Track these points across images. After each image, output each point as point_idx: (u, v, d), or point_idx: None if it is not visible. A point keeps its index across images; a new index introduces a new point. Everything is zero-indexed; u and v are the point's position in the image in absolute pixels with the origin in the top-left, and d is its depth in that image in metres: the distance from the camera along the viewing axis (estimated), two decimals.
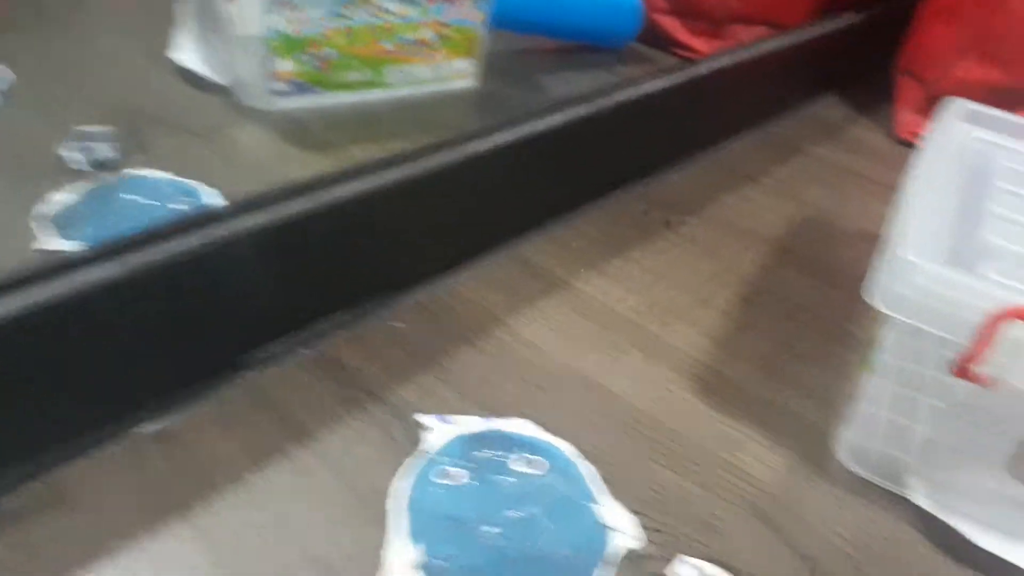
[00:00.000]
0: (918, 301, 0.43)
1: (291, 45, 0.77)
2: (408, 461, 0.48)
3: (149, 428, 0.48)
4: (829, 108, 1.07)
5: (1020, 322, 0.41)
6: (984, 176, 0.57)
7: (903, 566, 0.46)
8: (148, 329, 0.46)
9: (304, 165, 0.73)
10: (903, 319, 0.44)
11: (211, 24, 0.80)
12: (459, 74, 0.88)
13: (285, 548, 0.42)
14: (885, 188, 0.49)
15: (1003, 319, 0.41)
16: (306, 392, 0.52)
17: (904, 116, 0.99)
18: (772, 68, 0.92)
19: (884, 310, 0.44)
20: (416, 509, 0.44)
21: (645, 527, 0.46)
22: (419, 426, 0.50)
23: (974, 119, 0.62)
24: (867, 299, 0.45)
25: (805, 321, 0.65)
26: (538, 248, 0.69)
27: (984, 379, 0.43)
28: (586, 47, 1.03)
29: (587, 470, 0.49)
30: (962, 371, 0.43)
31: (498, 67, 0.95)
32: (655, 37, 1.08)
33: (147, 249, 0.44)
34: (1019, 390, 0.41)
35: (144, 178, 0.65)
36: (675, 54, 1.07)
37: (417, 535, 0.43)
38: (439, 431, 0.50)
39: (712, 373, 0.58)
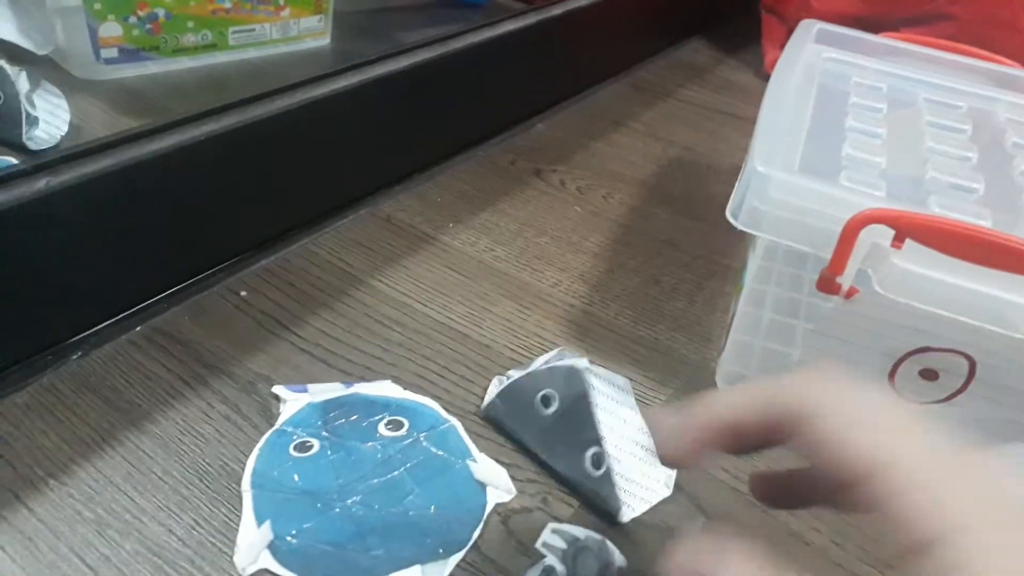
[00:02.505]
0: (775, 215, 0.41)
1: (114, 7, 0.70)
2: (264, 437, 0.44)
3: None
4: (697, 52, 1.06)
5: (879, 226, 0.40)
6: (839, 94, 0.56)
7: None
8: None
9: None
10: (762, 235, 0.42)
11: None
12: (310, 32, 0.83)
13: (120, 543, 0.38)
14: (754, 124, 0.48)
15: (861, 225, 0.40)
16: (141, 372, 0.47)
17: (771, 53, 1.00)
18: (632, 11, 0.91)
19: (742, 227, 0.42)
20: (260, 486, 0.40)
21: (519, 479, 0.43)
22: (276, 399, 0.46)
23: (826, 39, 0.62)
24: (729, 218, 0.43)
25: (676, 257, 0.63)
26: (401, 205, 0.65)
27: (849, 291, 0.42)
28: (447, 3, 0.99)
29: (457, 426, 0.46)
30: (825, 284, 0.42)
31: (355, 25, 0.90)
32: None
33: None
34: (885, 298, 0.40)
35: None
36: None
37: (262, 513, 0.39)
38: (293, 402, 0.46)
39: (585, 316, 0.56)
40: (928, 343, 0.42)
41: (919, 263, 0.39)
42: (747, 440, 0.27)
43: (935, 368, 0.43)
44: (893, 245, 0.39)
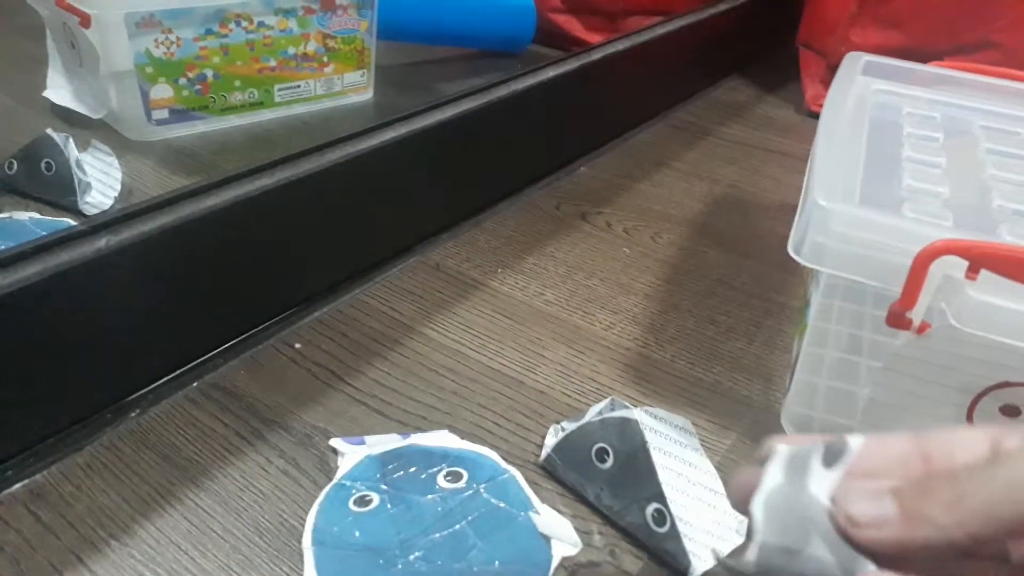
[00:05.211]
0: (839, 249, 0.40)
1: (165, 70, 0.72)
2: (323, 492, 0.43)
3: (15, 487, 0.42)
4: (735, 90, 1.06)
5: (951, 258, 0.38)
6: (892, 125, 0.55)
7: None
8: (4, 372, 0.41)
9: None
10: (826, 270, 0.41)
11: (76, 56, 0.74)
12: (353, 87, 0.85)
13: None
14: (798, 160, 0.47)
15: (933, 257, 0.38)
16: (198, 428, 0.47)
17: (811, 89, 0.99)
18: (668, 53, 0.91)
19: (805, 263, 0.41)
20: (322, 542, 0.39)
21: (584, 531, 0.42)
22: (333, 452, 0.46)
23: (874, 71, 0.61)
24: (791, 254, 0.42)
25: (731, 296, 0.62)
26: (449, 252, 0.65)
27: (921, 326, 0.41)
28: (485, 54, 1.01)
29: (516, 476, 0.45)
30: (896, 320, 0.41)
31: (397, 79, 0.91)
32: (554, 38, 1.06)
33: None
34: (961, 332, 0.38)
35: (9, 219, 0.59)
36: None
37: (324, 571, 0.38)
38: (351, 454, 0.45)
39: (641, 359, 0.55)
40: (1008, 377, 0.41)
41: (996, 294, 0.37)
42: None
43: (1017, 404, 0.41)
44: (967, 276, 0.38)
